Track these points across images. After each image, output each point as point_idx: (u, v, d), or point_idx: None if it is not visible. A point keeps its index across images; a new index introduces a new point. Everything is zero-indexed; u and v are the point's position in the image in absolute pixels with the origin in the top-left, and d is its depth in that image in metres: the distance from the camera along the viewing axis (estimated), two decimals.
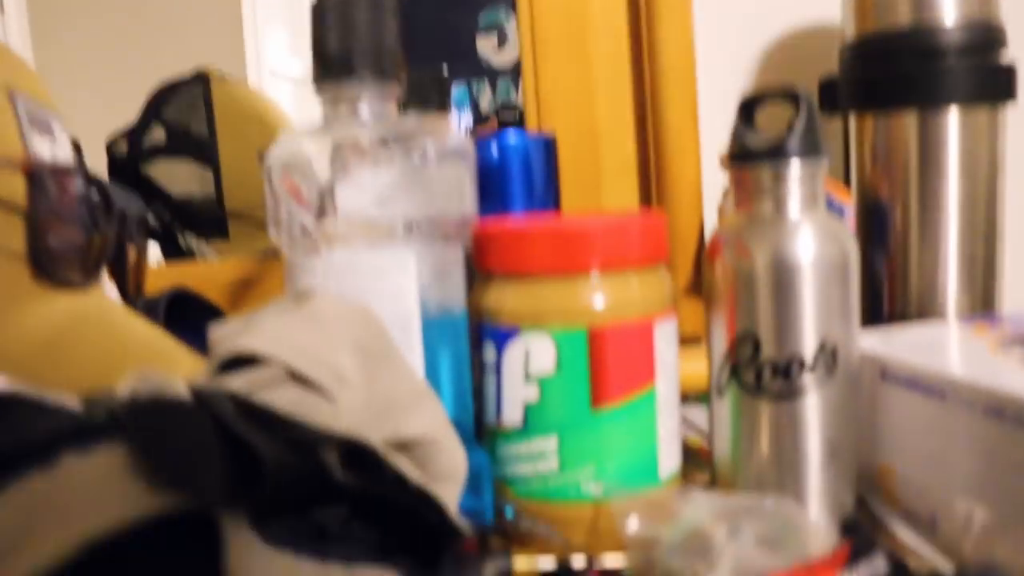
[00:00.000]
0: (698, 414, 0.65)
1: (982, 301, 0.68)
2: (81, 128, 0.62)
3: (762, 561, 0.40)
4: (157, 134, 1.08)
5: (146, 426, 0.28)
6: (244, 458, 0.31)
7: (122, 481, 0.27)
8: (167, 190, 1.09)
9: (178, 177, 1.09)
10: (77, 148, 0.56)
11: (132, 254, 0.53)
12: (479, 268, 0.51)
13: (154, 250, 1.02)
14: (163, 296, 0.59)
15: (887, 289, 0.70)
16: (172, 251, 1.10)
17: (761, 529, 0.42)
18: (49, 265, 0.39)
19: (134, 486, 0.27)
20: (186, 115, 1.07)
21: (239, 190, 1.15)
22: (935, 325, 0.60)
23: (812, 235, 0.47)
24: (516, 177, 0.65)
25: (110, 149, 1.06)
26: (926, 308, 0.68)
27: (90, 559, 0.26)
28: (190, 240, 1.21)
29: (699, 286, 0.85)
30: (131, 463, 0.28)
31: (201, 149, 1.08)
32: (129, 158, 1.07)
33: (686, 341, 0.54)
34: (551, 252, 0.47)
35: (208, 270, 0.91)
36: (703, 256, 0.51)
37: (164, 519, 0.27)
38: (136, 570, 0.28)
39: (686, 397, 0.54)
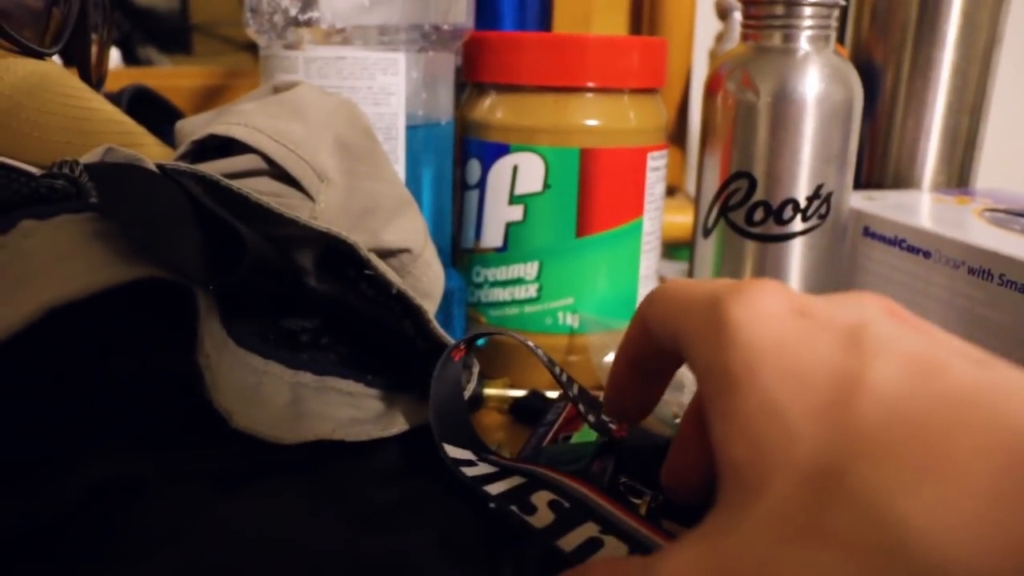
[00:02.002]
0: (665, 267, 0.64)
1: (958, 177, 0.68)
2: None
3: None
4: None
5: (115, 187, 0.26)
6: (215, 239, 0.29)
7: (87, 249, 0.25)
8: None
9: None
10: None
11: (95, 43, 0.49)
12: (470, 79, 0.48)
13: (114, 54, 0.96)
14: (124, 92, 0.55)
15: (867, 154, 0.68)
16: (130, 64, 1.04)
17: None
18: (4, 22, 0.36)
19: (100, 254, 0.25)
20: None
21: (206, 2, 1.09)
22: (915, 193, 0.60)
23: (819, 71, 0.44)
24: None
25: None
26: (903, 178, 0.68)
27: (55, 327, 0.24)
28: (150, 53, 1.15)
29: (680, 134, 0.83)
30: (96, 230, 0.26)
31: None
32: None
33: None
34: (546, 62, 0.45)
35: (171, 77, 0.87)
36: (702, 94, 0.49)
37: (134, 292, 0.25)
38: (103, 340, 0.26)
39: None
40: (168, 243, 0.25)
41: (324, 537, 0.25)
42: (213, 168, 0.34)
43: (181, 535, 0.23)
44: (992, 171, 0.73)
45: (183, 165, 0.31)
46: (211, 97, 0.77)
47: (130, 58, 1.09)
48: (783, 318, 0.21)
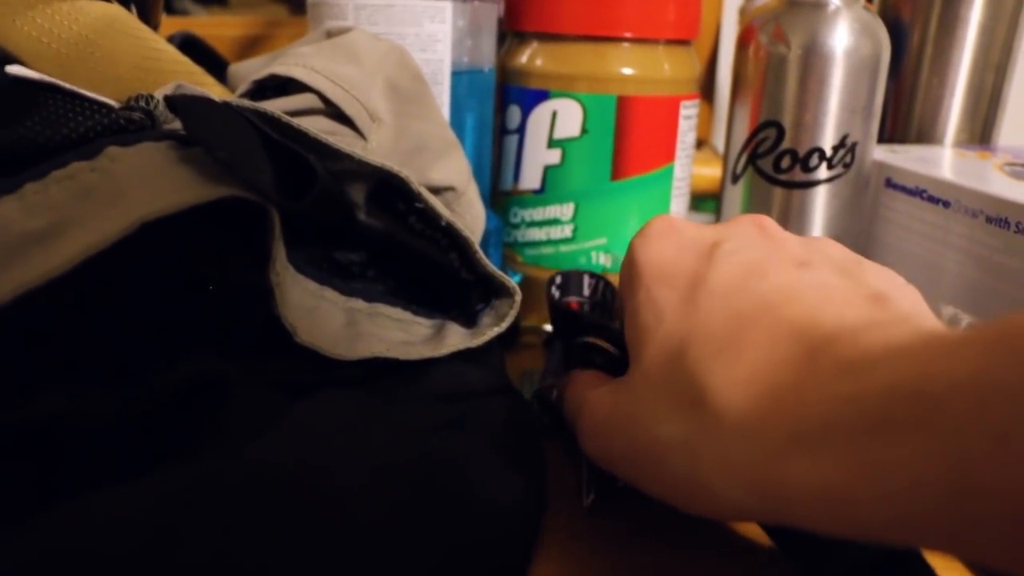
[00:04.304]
0: (692, 218, 0.66)
1: (980, 134, 0.68)
2: None
3: None
4: None
5: (198, 114, 0.28)
6: (280, 169, 0.31)
7: (171, 171, 0.27)
8: None
9: None
10: None
11: None
12: (511, 28, 0.50)
13: None
14: (174, 38, 0.57)
15: (891, 110, 0.69)
16: (169, 15, 1.06)
17: None
18: None
19: (184, 175, 0.27)
20: None
21: None
22: (937, 148, 0.61)
23: (849, 26, 0.46)
24: None
25: None
26: (926, 133, 0.68)
27: (145, 239, 0.26)
28: (187, 4, 1.17)
29: (708, 89, 0.84)
30: (177, 156, 0.28)
31: None
32: None
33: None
34: (585, 12, 0.46)
35: (210, 26, 0.88)
36: (735, 46, 0.51)
37: (215, 211, 0.27)
38: (190, 254, 0.28)
39: None
40: (247, 165, 0.27)
41: (389, 439, 0.27)
42: (273, 106, 0.36)
43: (263, 430, 0.25)
44: (1015, 129, 0.74)
45: (246, 102, 0.33)
46: (250, 47, 0.79)
47: (168, 9, 1.10)
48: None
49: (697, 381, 0.24)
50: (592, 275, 0.43)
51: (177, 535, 0.20)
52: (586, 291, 0.42)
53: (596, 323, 0.39)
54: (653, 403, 0.25)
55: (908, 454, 0.18)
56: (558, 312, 0.41)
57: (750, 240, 0.28)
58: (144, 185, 0.27)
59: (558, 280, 0.42)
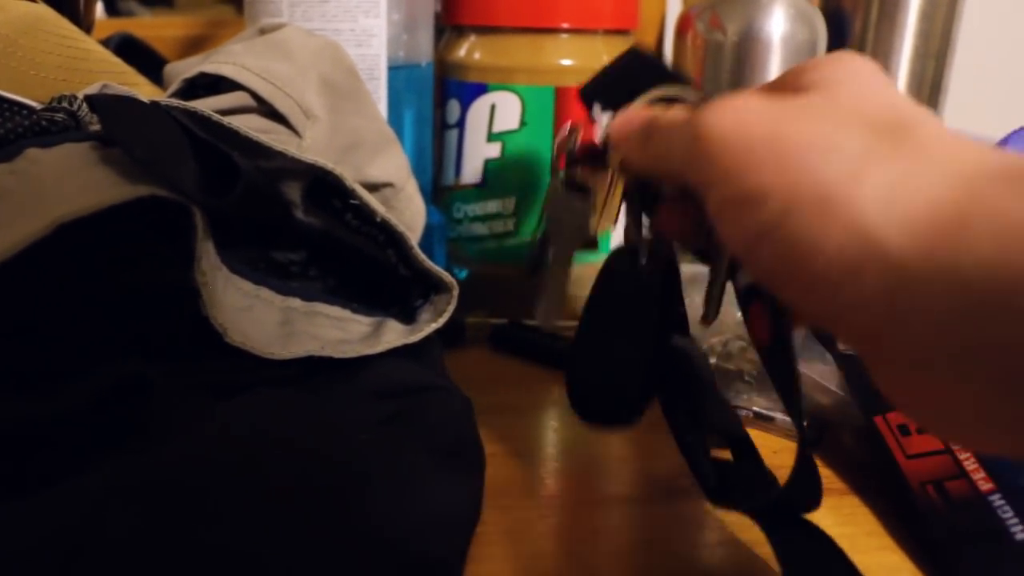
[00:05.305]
0: None
1: None
2: None
3: None
4: None
5: (117, 114, 0.27)
6: (209, 169, 0.30)
7: (91, 172, 0.27)
8: None
9: None
10: None
11: None
12: (449, 22, 0.49)
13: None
14: (111, 40, 0.57)
15: None
16: (112, 16, 1.04)
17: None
18: None
19: (104, 175, 0.27)
20: None
21: None
22: None
23: (785, 12, 0.46)
24: None
25: None
26: None
27: (63, 242, 0.25)
28: (131, 5, 1.15)
29: None
30: (99, 157, 0.28)
31: None
32: None
33: None
34: (522, 4, 0.46)
35: (154, 27, 0.87)
36: (673, 34, 0.51)
37: (138, 212, 0.27)
38: (110, 255, 0.28)
39: None
40: (168, 164, 0.27)
41: (316, 438, 0.27)
42: (204, 105, 0.36)
43: (186, 431, 0.25)
44: (957, 117, 0.74)
45: (175, 101, 0.33)
46: (193, 47, 0.78)
47: (111, 10, 1.09)
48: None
49: (904, 111, 0.22)
50: None
51: (83, 541, 0.20)
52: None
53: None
54: (832, 126, 0.22)
55: None
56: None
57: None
58: (62, 187, 0.26)
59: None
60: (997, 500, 0.30)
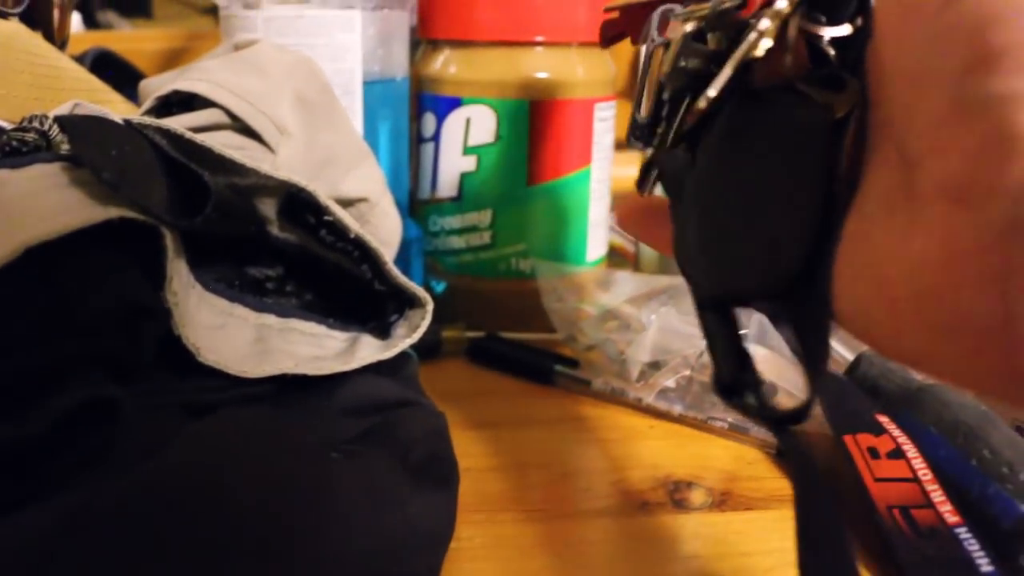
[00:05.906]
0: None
1: None
2: None
3: (686, 329, 0.41)
4: None
5: (87, 135, 0.27)
6: (182, 189, 0.30)
7: (60, 194, 0.27)
8: None
9: None
10: None
11: (56, 6, 0.50)
12: (424, 36, 0.50)
13: (74, 18, 0.96)
14: (87, 55, 0.56)
15: None
16: (90, 29, 1.04)
17: (686, 306, 0.43)
18: None
19: (73, 198, 0.27)
20: None
21: None
22: None
23: None
24: None
25: None
26: None
27: (32, 265, 0.25)
28: (110, 18, 1.15)
29: (630, 89, 0.84)
30: (68, 179, 0.28)
31: None
32: None
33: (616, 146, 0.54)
34: (497, 17, 0.46)
35: (132, 40, 0.87)
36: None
37: (108, 234, 0.27)
38: (80, 278, 0.28)
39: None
40: (138, 186, 0.27)
41: (282, 457, 0.26)
42: (177, 123, 0.36)
43: (155, 452, 0.25)
44: None
45: (148, 119, 0.33)
46: (172, 60, 0.78)
47: (90, 22, 1.09)
48: None
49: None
50: None
51: (52, 563, 0.20)
52: None
53: None
54: None
55: None
56: None
57: None
58: (31, 209, 0.26)
59: None
60: (964, 533, 0.30)
